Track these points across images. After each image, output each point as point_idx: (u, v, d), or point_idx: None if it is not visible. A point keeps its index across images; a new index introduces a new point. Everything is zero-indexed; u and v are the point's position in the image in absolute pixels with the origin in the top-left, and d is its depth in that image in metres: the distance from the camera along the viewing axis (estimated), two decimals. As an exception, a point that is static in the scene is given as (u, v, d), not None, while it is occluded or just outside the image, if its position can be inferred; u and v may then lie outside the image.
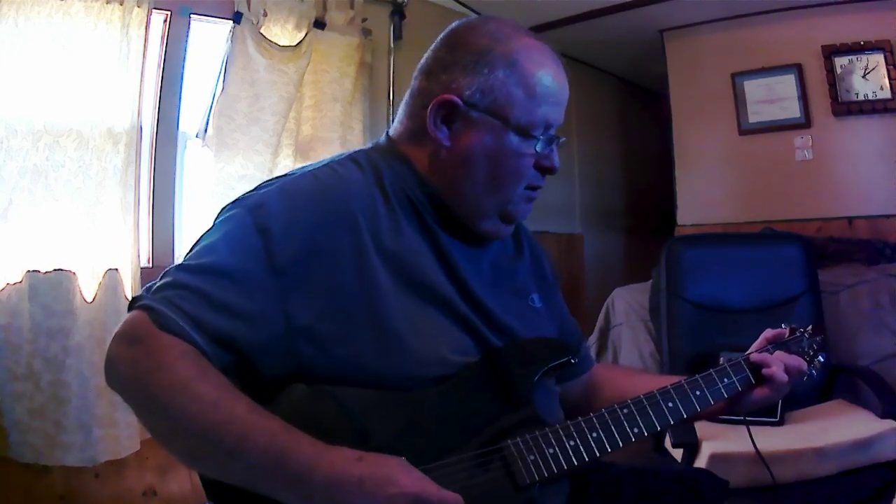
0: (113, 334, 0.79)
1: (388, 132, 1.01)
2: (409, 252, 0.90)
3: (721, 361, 1.04)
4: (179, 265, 0.84)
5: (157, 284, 0.82)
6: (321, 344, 0.83)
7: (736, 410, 1.05)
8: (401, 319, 0.85)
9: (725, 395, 1.01)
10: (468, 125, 0.92)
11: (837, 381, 2.24)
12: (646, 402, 0.94)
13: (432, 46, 0.98)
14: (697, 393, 0.98)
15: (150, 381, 0.74)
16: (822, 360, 1.11)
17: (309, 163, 0.99)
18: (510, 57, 0.91)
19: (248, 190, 0.92)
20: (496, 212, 0.96)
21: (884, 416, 1.93)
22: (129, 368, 0.76)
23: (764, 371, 1.01)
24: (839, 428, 1.93)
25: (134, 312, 0.79)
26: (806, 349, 1.10)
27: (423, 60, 0.98)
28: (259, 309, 0.81)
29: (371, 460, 0.74)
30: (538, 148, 0.94)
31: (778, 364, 1.01)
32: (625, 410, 0.92)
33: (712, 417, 1.07)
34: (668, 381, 0.99)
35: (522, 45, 0.93)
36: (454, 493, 0.75)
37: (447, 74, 0.93)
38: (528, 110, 0.91)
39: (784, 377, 1.01)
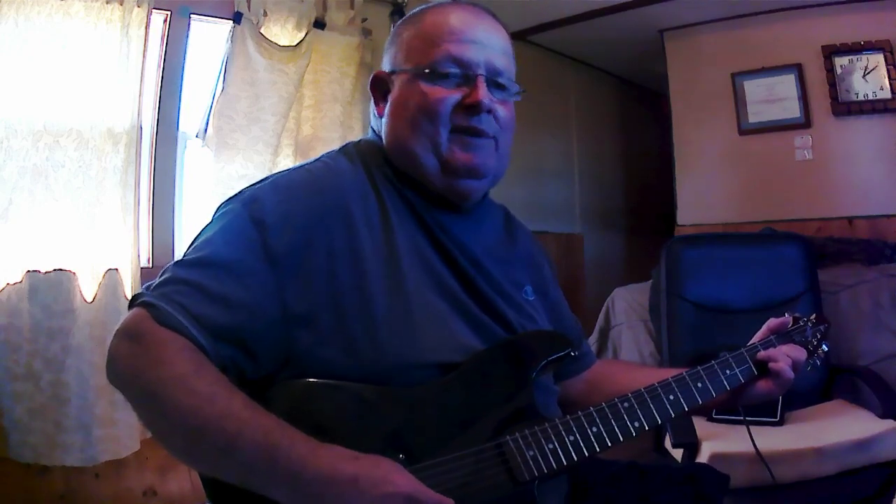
0: (113, 332, 0.80)
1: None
2: (402, 239, 0.91)
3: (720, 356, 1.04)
4: (178, 261, 0.85)
5: (157, 281, 0.83)
6: (316, 332, 0.83)
7: (738, 402, 1.04)
8: (396, 307, 0.86)
9: (728, 387, 1.00)
10: (393, 88, 0.99)
11: (837, 381, 2.24)
12: (646, 395, 0.93)
13: None
14: (699, 385, 0.98)
15: (147, 376, 0.75)
16: (825, 349, 1.10)
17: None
18: (416, 18, 0.99)
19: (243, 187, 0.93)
20: (435, 161, 0.95)
21: (884, 416, 1.93)
22: (128, 364, 0.77)
23: (771, 366, 1.01)
24: (839, 428, 1.93)
25: (134, 309, 0.80)
26: (809, 338, 1.09)
27: None
28: (256, 299, 0.82)
29: (366, 460, 0.74)
30: (446, 85, 0.94)
31: (785, 359, 1.01)
32: (625, 404, 0.92)
33: (713, 411, 1.06)
34: (670, 374, 0.98)
35: (433, 8, 0.99)
36: (447, 498, 0.75)
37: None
38: (426, 52, 0.95)
39: (790, 374, 1.01)
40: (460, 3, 0.99)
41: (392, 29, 1.04)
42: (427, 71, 0.94)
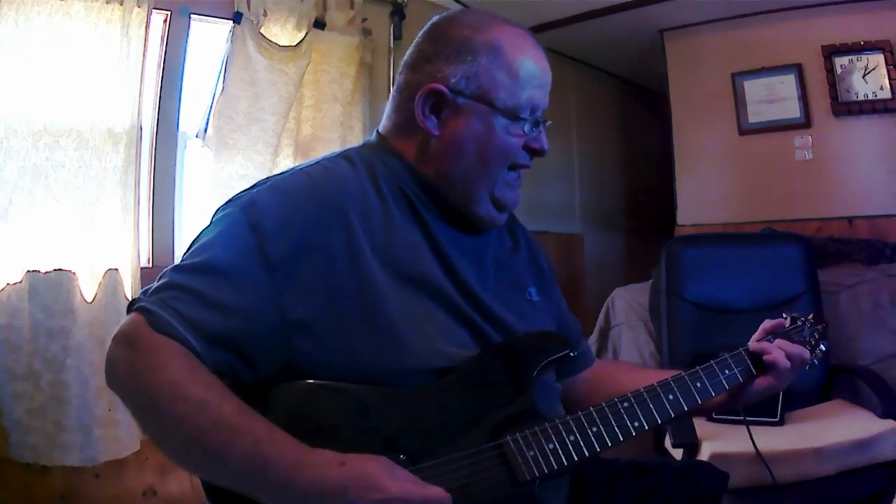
0: (112, 336, 0.80)
1: (377, 130, 1.03)
2: (402, 245, 0.91)
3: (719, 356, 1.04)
4: (175, 266, 0.85)
5: (154, 286, 0.83)
6: (316, 338, 0.83)
7: (739, 402, 1.05)
8: (395, 312, 0.86)
9: (727, 387, 1.01)
10: (456, 112, 0.94)
11: (837, 381, 2.24)
12: (646, 395, 0.94)
13: (415, 41, 1.00)
14: (698, 385, 0.98)
15: (143, 381, 0.75)
16: (823, 348, 1.10)
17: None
18: (491, 43, 0.94)
19: (241, 189, 0.93)
20: (487, 195, 0.96)
21: (884, 416, 1.93)
22: (124, 369, 0.78)
23: (765, 358, 1.01)
24: (839, 428, 1.93)
25: (131, 315, 0.80)
26: (807, 338, 1.09)
27: (406, 55, 1.00)
28: (253, 305, 0.81)
29: (354, 465, 0.73)
30: (525, 129, 0.95)
31: (778, 351, 1.01)
32: (625, 404, 0.92)
33: (713, 412, 1.06)
34: (669, 375, 0.99)
35: (502, 31, 0.95)
36: (439, 489, 0.75)
37: (431, 65, 0.95)
38: (513, 93, 0.93)
39: (786, 363, 1.01)
40: (534, 41, 0.98)
41: (453, 41, 0.95)
42: (511, 112, 0.93)
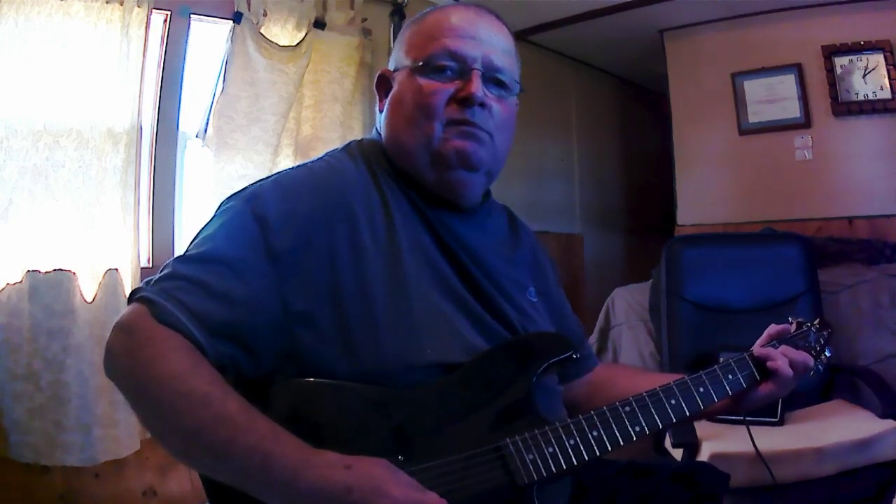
0: (113, 325, 0.79)
1: (376, 126, 1.06)
2: (405, 238, 0.91)
3: (722, 360, 1.03)
4: (179, 257, 0.84)
5: (157, 276, 0.82)
6: (317, 330, 0.83)
7: (740, 408, 1.03)
8: (398, 307, 0.86)
9: (730, 392, 0.99)
10: (392, 86, 1.00)
11: (837, 381, 2.24)
12: (648, 400, 0.93)
13: None
14: (701, 390, 0.97)
15: (144, 373, 0.75)
16: (828, 354, 1.09)
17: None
18: (420, 17, 1.01)
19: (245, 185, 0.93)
20: (427, 155, 0.94)
21: (884, 416, 1.92)
22: (125, 360, 0.77)
23: (769, 364, 1.00)
24: (839, 428, 1.92)
25: (133, 305, 0.79)
26: (813, 344, 1.08)
27: None
28: (257, 295, 0.81)
29: (360, 468, 0.73)
30: (441, 79, 0.94)
31: (782, 358, 1.00)
32: (626, 408, 0.91)
33: (714, 416, 1.06)
34: (672, 379, 0.98)
35: (438, 8, 1.00)
36: (441, 499, 0.74)
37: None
38: (423, 47, 0.96)
39: (789, 371, 0.99)
40: (465, 4, 1.00)
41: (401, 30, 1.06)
42: (422, 64, 0.95)
